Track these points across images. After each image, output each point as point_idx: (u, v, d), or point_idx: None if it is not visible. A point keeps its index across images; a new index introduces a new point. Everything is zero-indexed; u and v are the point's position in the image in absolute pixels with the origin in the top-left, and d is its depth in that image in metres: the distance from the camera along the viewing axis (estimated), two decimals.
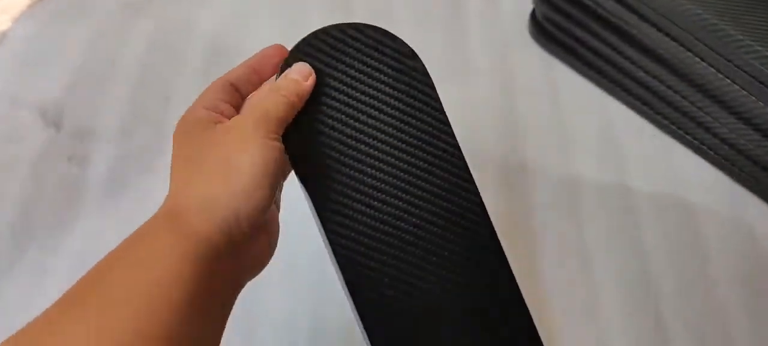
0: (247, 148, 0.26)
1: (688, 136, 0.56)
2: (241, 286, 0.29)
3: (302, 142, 0.30)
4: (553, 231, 0.51)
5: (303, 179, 0.30)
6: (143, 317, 0.22)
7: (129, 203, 0.52)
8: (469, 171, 0.33)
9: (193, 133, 0.28)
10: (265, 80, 0.31)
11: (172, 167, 0.29)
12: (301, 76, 0.30)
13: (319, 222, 0.30)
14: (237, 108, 0.30)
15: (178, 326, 0.23)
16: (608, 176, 0.54)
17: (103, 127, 0.56)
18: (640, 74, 0.56)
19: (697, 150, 0.56)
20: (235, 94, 0.31)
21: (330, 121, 0.31)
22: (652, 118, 0.57)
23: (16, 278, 0.48)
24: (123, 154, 0.54)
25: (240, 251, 0.27)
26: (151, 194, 0.52)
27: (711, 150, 0.55)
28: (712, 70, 0.51)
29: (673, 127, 0.56)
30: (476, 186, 0.34)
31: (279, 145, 0.28)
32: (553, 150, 0.56)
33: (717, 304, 0.48)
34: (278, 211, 0.33)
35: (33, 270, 0.48)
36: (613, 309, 0.47)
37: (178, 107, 0.57)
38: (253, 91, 0.31)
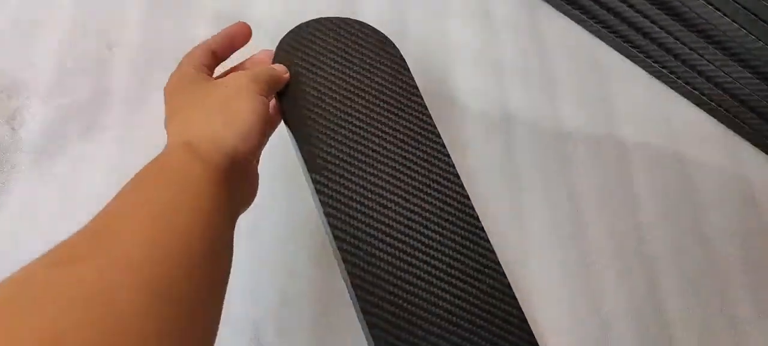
0: (245, 97, 0.31)
1: (682, 83, 0.52)
2: (236, 219, 0.31)
3: (292, 101, 0.37)
4: (542, 184, 0.47)
5: (291, 128, 0.37)
6: (188, 224, 0.25)
7: (65, 167, 0.46)
8: (442, 141, 0.38)
9: (188, 86, 0.33)
10: (237, 49, 0.38)
11: (169, 115, 0.32)
12: (281, 69, 0.37)
13: (303, 165, 0.36)
14: (212, 71, 0.36)
15: (214, 232, 0.26)
16: (598, 127, 0.50)
17: (34, 80, 0.49)
18: (631, 14, 0.52)
19: (693, 98, 0.52)
20: (215, 59, 0.36)
21: (315, 87, 0.38)
22: (644, 63, 0.53)
23: None
24: (58, 112, 0.48)
25: (234, 185, 0.30)
26: (92, 154, 0.47)
27: (707, 98, 0.51)
28: (710, 7, 0.47)
29: (666, 72, 0.52)
30: (440, 137, 0.38)
31: (267, 101, 0.33)
32: (541, 99, 0.51)
33: (712, 258, 0.45)
34: (257, 163, 0.36)
35: None
36: (605, 264, 0.44)
37: (121, 57, 0.51)
38: (226, 57, 0.38)
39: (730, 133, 0.51)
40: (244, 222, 0.44)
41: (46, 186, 0.45)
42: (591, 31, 0.55)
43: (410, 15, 0.54)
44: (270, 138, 0.37)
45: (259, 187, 0.34)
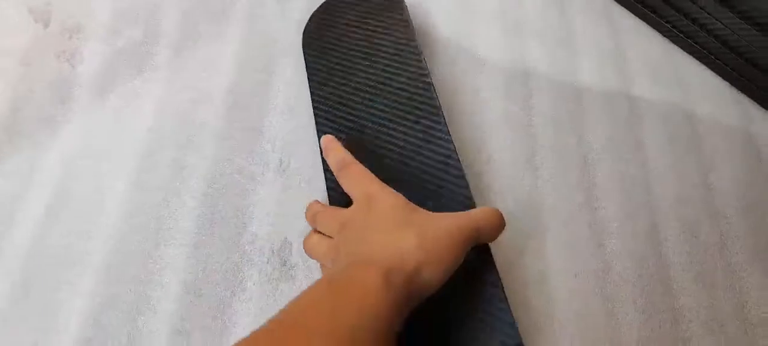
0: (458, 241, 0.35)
1: (694, 44, 0.54)
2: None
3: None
4: (554, 137, 0.50)
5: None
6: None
7: (118, 102, 0.51)
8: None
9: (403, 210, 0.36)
10: None
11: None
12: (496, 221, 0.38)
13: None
14: None
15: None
16: (612, 83, 0.53)
17: (92, 24, 0.54)
18: None
19: (703, 59, 0.54)
20: None
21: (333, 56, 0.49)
22: (658, 24, 0.55)
23: (6, 172, 0.47)
24: (113, 52, 0.53)
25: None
26: (142, 91, 0.51)
27: (718, 59, 0.53)
28: None
29: (680, 34, 0.54)
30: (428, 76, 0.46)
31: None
32: (558, 57, 0.54)
33: (714, 209, 0.47)
34: None
35: (25, 166, 0.48)
36: (611, 212, 0.47)
37: (171, 7, 0.56)
38: None
39: (737, 92, 0.53)
40: (273, 158, 0.48)
41: (101, 118, 0.50)
42: None
43: None
44: None
45: None
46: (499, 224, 0.37)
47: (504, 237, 0.38)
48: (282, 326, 0.28)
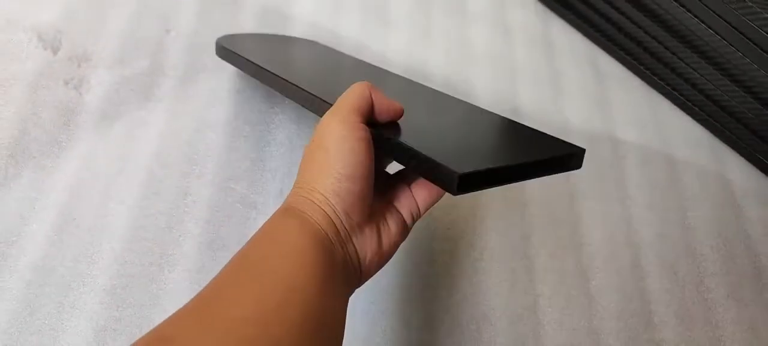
0: (332, 130, 0.31)
1: (674, 91, 0.58)
2: (349, 278, 0.31)
3: None
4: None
5: None
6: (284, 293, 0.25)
7: (124, 129, 0.52)
8: None
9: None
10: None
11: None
12: (362, 86, 0.33)
13: None
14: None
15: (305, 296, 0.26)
16: (597, 126, 0.56)
17: (100, 53, 0.56)
18: (630, 27, 0.58)
19: (682, 105, 0.58)
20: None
21: None
22: (641, 73, 0.59)
23: (12, 195, 0.48)
24: (119, 81, 0.55)
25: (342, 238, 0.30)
26: (147, 120, 0.53)
27: (695, 105, 0.57)
28: (703, 24, 0.53)
29: (661, 82, 0.58)
30: None
31: (358, 125, 0.31)
32: (546, 99, 0.57)
33: (692, 248, 0.50)
34: (398, 237, 0.34)
35: (30, 188, 0.49)
36: (595, 247, 0.49)
37: (177, 40, 0.58)
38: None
39: (716, 139, 0.56)
40: (273, 188, 0.50)
41: (105, 145, 0.52)
42: (595, 42, 0.61)
43: (435, 20, 0.61)
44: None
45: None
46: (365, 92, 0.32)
47: (494, 272, 0.40)
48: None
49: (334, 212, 0.29)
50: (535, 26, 0.61)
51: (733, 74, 0.53)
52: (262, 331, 0.23)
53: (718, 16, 0.51)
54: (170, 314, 0.41)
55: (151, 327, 0.41)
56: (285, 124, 0.54)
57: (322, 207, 0.29)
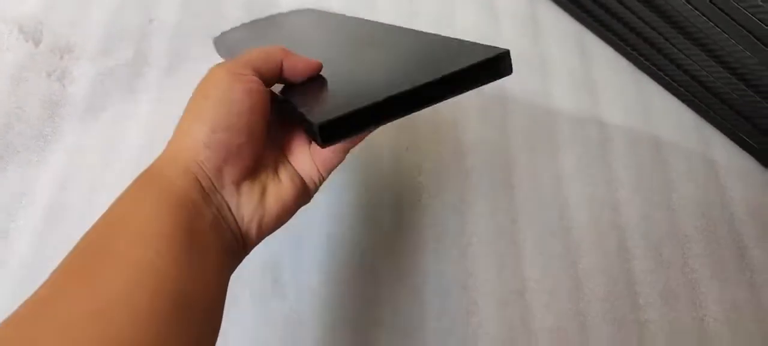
0: (215, 81, 0.28)
1: (660, 73, 0.58)
2: (227, 256, 0.28)
3: None
4: (529, 157, 0.53)
5: None
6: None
7: (109, 121, 0.52)
8: None
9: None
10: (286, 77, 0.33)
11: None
12: (276, 47, 0.31)
13: None
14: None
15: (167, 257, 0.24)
16: (584, 107, 0.56)
17: (83, 44, 0.55)
18: (617, 7, 0.58)
19: (669, 87, 0.58)
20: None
21: None
22: (628, 54, 0.59)
23: None
24: (103, 72, 0.54)
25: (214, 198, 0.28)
26: (131, 112, 0.53)
27: (681, 87, 0.57)
28: (688, 5, 0.53)
29: (647, 63, 0.58)
30: None
31: (249, 81, 0.28)
32: (532, 80, 0.57)
33: (676, 229, 0.51)
34: (294, 197, 0.32)
35: (16, 184, 0.48)
36: (582, 229, 0.50)
37: (160, 29, 0.57)
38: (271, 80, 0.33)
39: (701, 120, 0.57)
40: None
41: (91, 138, 0.51)
42: (582, 22, 0.61)
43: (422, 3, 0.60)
44: None
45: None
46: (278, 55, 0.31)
47: (482, 256, 0.40)
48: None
49: (202, 168, 0.27)
50: (520, 5, 0.61)
51: (719, 56, 0.53)
52: (106, 325, 0.20)
53: None
54: None
55: None
56: None
57: (188, 165, 0.27)
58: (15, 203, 0.48)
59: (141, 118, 0.52)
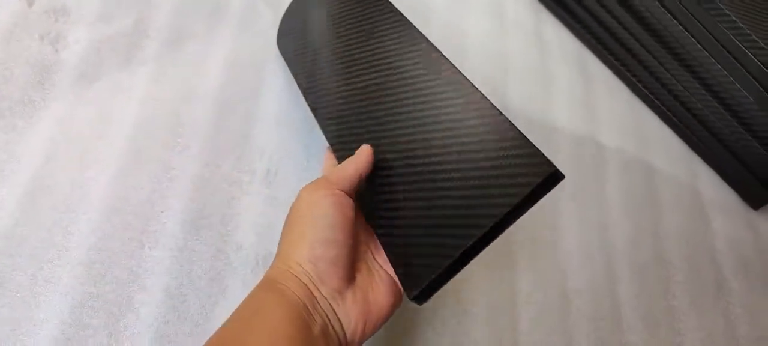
0: (311, 202, 0.33)
1: (657, 101, 0.59)
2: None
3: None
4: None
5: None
6: None
7: (103, 92, 0.50)
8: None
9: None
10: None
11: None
12: (359, 160, 0.36)
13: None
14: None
15: None
16: (582, 128, 0.57)
17: (80, 8, 0.52)
18: (621, 32, 0.59)
19: (663, 116, 0.59)
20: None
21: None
22: (627, 79, 0.60)
23: None
24: (100, 39, 0.52)
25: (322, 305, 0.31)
26: (127, 84, 0.51)
27: (675, 117, 0.58)
28: (689, 36, 0.54)
29: (644, 90, 0.59)
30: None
31: (340, 197, 0.33)
32: (534, 96, 0.58)
33: (662, 256, 0.52)
34: (389, 301, 0.34)
35: (0, 149, 0.46)
36: (572, 248, 0.51)
37: (162, 2, 0.55)
38: None
39: (691, 152, 0.58)
40: (260, 167, 0.49)
41: (82, 108, 0.49)
42: (585, 43, 0.62)
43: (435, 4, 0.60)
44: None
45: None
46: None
47: (475, 268, 0.40)
48: None
49: (311, 280, 0.31)
50: (528, 21, 0.61)
51: (716, 91, 0.55)
52: None
53: (706, 30, 0.52)
54: (150, 291, 0.40)
55: (130, 304, 0.40)
56: (274, 100, 0.52)
57: (300, 277, 0.31)
58: (1, 171, 0.45)
59: (137, 92, 0.50)
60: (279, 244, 0.33)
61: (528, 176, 0.30)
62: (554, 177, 0.30)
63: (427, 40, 0.40)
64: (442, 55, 0.38)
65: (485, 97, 0.35)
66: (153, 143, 0.48)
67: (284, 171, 0.49)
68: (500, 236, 0.31)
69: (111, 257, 0.43)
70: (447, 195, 0.33)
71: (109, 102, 0.50)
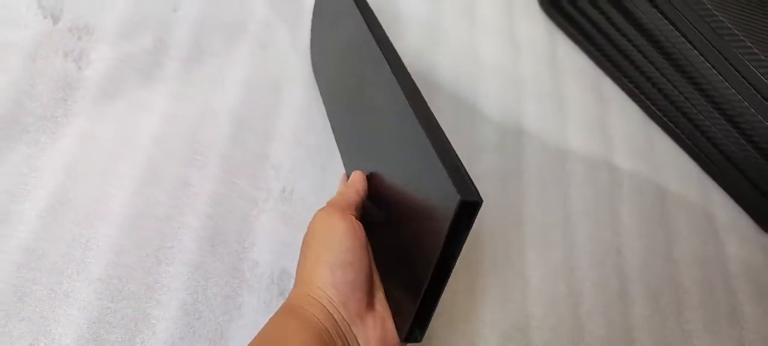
0: (326, 226, 0.35)
1: (671, 124, 0.59)
2: None
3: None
4: (540, 194, 0.54)
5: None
6: None
7: (123, 109, 0.51)
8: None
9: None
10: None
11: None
12: (356, 182, 0.38)
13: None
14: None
15: None
16: (596, 151, 0.57)
17: (102, 27, 0.54)
18: (635, 54, 0.59)
19: (677, 138, 0.59)
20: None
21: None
22: (641, 102, 0.60)
23: (3, 169, 0.46)
24: (121, 58, 0.53)
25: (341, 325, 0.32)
26: (148, 102, 0.51)
27: (689, 140, 0.59)
28: (704, 60, 0.54)
29: (658, 113, 0.60)
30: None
31: (350, 220, 0.34)
32: (549, 118, 0.58)
33: (675, 279, 0.52)
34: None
35: (22, 164, 0.47)
36: (585, 271, 0.51)
37: (184, 19, 0.56)
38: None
39: (705, 175, 0.58)
40: (276, 185, 0.49)
41: (104, 125, 0.50)
42: (599, 65, 0.62)
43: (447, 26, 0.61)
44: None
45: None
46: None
47: (489, 289, 0.41)
48: None
49: (332, 303, 0.31)
50: (542, 43, 0.62)
51: (729, 113, 0.55)
52: None
53: (720, 54, 0.53)
54: (166, 307, 0.41)
55: (147, 320, 0.41)
56: (292, 119, 0.53)
57: (321, 301, 0.31)
58: (19, 185, 0.46)
59: (157, 110, 0.51)
60: (297, 269, 0.34)
61: (439, 221, 0.29)
62: (468, 207, 0.28)
63: (400, 73, 0.37)
64: (405, 87, 0.36)
65: (431, 133, 0.32)
66: (171, 160, 0.49)
67: (300, 189, 0.50)
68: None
69: (128, 273, 0.44)
70: (399, 236, 0.34)
71: (129, 119, 0.51)
